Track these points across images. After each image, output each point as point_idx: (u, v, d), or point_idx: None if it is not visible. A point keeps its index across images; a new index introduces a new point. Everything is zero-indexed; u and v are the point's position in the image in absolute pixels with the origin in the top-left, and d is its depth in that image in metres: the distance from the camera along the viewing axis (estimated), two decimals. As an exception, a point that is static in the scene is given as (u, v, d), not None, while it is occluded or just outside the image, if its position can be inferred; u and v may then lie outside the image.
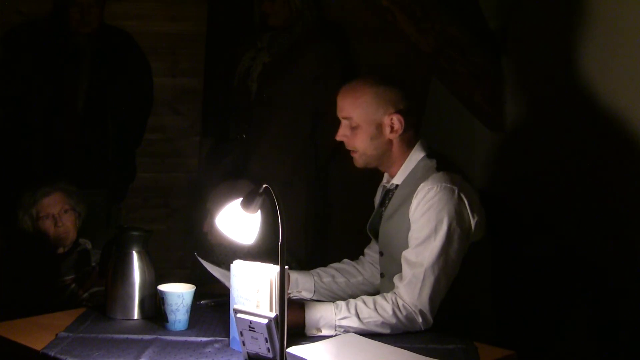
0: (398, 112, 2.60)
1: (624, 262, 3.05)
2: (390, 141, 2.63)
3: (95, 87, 3.85)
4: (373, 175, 4.04)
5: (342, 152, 4.05)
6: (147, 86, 4.05)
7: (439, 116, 3.95)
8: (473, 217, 2.55)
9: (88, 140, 3.86)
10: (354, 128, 2.63)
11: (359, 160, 2.68)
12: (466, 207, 2.53)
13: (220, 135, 4.03)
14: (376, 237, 2.78)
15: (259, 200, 2.29)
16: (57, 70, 3.82)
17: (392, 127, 2.61)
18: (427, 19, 3.39)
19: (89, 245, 3.30)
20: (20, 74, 3.82)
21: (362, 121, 2.61)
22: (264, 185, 2.24)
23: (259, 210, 2.32)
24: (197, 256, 2.63)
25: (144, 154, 4.14)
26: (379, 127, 2.61)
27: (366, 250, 2.90)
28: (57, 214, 3.21)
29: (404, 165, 2.65)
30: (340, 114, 2.67)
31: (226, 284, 2.58)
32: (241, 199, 2.32)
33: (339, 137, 2.68)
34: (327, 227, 4.16)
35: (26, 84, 3.82)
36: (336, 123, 3.86)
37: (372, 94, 2.60)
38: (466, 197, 2.54)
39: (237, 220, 2.34)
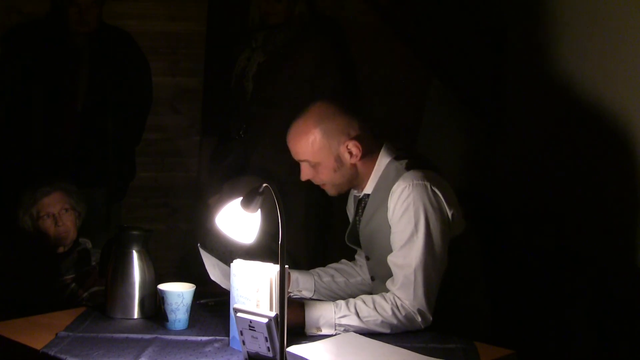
0: (352, 138, 2.58)
1: (624, 260, 3.05)
2: (354, 164, 2.62)
3: (95, 86, 3.85)
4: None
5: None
6: (147, 85, 4.04)
7: (439, 116, 3.95)
8: (449, 209, 2.55)
9: (88, 139, 3.86)
10: (314, 166, 2.61)
11: (332, 191, 2.67)
12: (442, 201, 2.53)
13: (221, 134, 4.03)
14: (358, 245, 2.78)
15: (259, 200, 2.28)
16: (57, 70, 3.81)
17: (350, 154, 2.59)
18: (427, 18, 3.40)
19: (89, 245, 3.29)
20: (20, 74, 3.82)
21: (320, 159, 2.59)
22: (264, 185, 2.24)
23: (259, 210, 2.32)
24: (199, 247, 2.61)
25: (143, 154, 4.14)
26: (338, 158, 2.59)
27: (357, 257, 2.90)
28: (57, 214, 3.21)
29: (372, 174, 2.64)
30: (296, 157, 2.64)
31: (223, 285, 2.58)
32: (241, 198, 2.32)
33: (303, 178, 2.66)
34: (327, 226, 4.15)
35: (26, 84, 3.81)
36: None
37: (320, 132, 2.57)
38: (440, 191, 2.54)
39: (237, 220, 2.34)
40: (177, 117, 4.26)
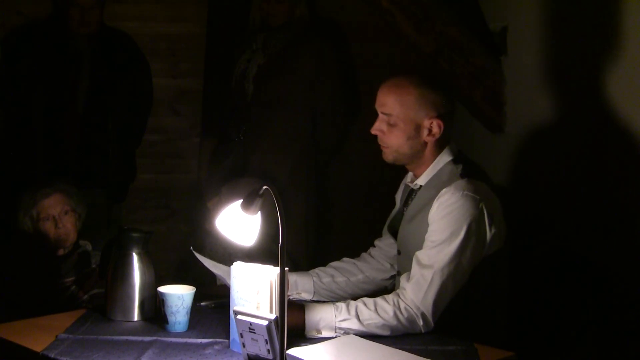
0: (439, 116, 2.58)
1: (626, 263, 3.05)
2: (425, 143, 2.61)
3: (95, 88, 3.85)
4: (373, 175, 4.04)
5: (341, 152, 4.08)
6: (147, 87, 4.05)
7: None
8: (491, 229, 2.52)
9: (88, 141, 3.86)
10: (391, 125, 2.59)
11: (390, 156, 2.65)
12: (485, 218, 2.51)
13: (221, 136, 4.03)
14: (395, 235, 2.77)
15: (258, 202, 2.28)
16: (57, 71, 3.82)
17: (430, 130, 2.59)
18: (427, 19, 3.40)
19: (89, 247, 3.29)
20: (21, 75, 3.82)
21: (402, 120, 2.58)
22: (264, 187, 2.24)
23: (259, 211, 2.32)
24: (193, 251, 2.62)
25: (144, 155, 4.14)
26: (418, 128, 2.58)
27: (377, 242, 2.87)
28: (58, 216, 3.21)
29: (430, 167, 2.63)
30: (380, 108, 2.62)
31: (222, 280, 2.58)
32: (241, 200, 2.32)
33: (373, 131, 2.63)
34: (328, 227, 4.16)
35: (26, 85, 3.82)
36: (336, 122, 3.90)
37: (417, 95, 2.57)
38: (487, 208, 2.52)
39: (237, 222, 2.34)
40: (177, 119, 4.27)
